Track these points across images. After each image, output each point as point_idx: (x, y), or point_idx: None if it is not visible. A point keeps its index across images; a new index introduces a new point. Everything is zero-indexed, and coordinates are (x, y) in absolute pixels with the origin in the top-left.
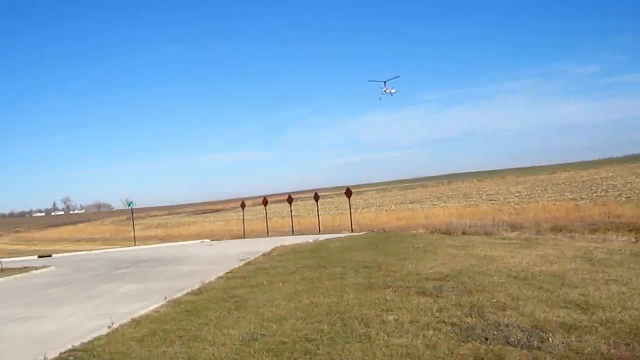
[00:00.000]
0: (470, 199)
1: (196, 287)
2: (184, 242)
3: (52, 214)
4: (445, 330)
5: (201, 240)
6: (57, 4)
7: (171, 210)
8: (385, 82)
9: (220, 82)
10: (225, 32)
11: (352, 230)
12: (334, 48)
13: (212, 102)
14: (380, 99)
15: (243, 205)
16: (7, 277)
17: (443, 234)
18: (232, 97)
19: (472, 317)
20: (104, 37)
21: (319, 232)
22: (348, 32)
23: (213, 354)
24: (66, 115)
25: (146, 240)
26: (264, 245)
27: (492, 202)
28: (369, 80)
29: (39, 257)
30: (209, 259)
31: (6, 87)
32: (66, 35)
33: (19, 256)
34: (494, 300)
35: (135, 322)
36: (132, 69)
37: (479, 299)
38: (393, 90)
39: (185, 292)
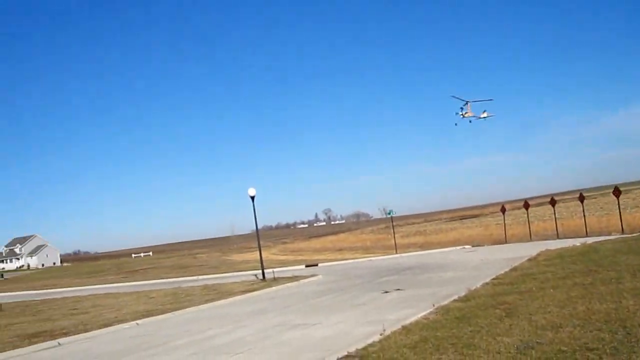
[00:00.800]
0: None
1: (462, 293)
2: (444, 249)
3: (315, 224)
4: None
5: (461, 247)
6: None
7: (428, 217)
8: (467, 102)
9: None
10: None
11: (622, 232)
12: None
13: None
14: (456, 124)
15: (503, 210)
16: (280, 286)
17: None
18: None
19: None
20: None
21: (586, 235)
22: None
23: None
24: (324, 131)
25: (405, 248)
26: (528, 250)
27: None
28: (452, 96)
29: (306, 266)
30: (472, 265)
31: (285, 116)
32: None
33: (287, 266)
34: None
35: (406, 329)
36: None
37: None
38: (483, 115)
39: (452, 299)
